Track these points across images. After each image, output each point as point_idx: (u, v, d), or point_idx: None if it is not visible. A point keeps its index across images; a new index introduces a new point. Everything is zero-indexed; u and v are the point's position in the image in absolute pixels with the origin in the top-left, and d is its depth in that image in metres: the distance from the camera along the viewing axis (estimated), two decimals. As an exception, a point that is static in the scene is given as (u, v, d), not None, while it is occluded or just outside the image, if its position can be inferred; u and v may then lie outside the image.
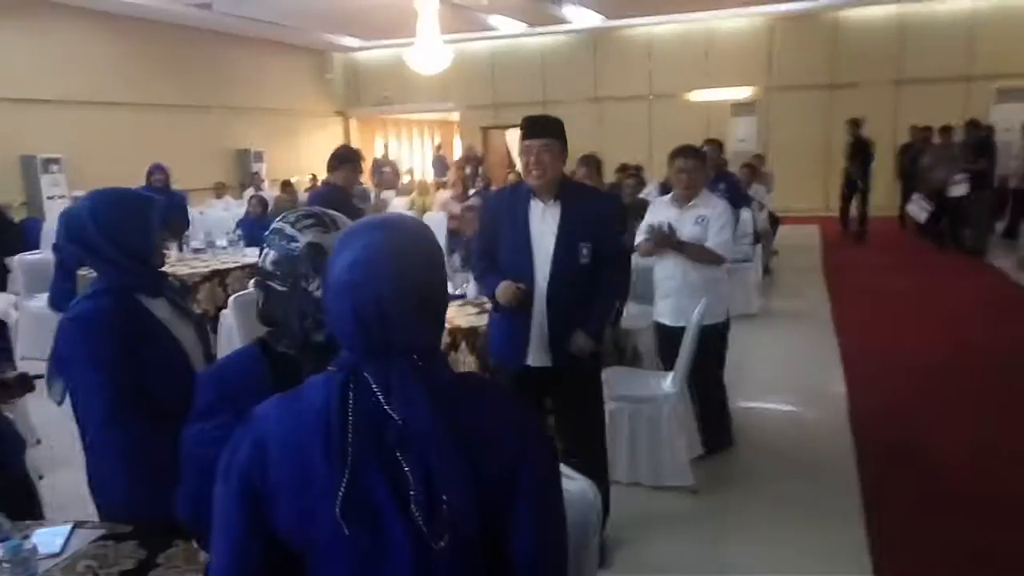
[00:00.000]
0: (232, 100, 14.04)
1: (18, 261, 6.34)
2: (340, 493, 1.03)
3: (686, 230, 3.67)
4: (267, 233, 1.48)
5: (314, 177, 12.98)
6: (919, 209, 10.18)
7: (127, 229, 1.85)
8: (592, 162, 5.39)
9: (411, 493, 1.05)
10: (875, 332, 6.31)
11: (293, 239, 1.45)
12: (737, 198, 6.35)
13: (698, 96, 14.68)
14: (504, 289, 2.80)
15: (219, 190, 12.13)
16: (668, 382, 3.53)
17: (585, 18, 13.51)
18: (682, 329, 3.53)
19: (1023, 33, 12.53)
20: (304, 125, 16.34)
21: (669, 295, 3.77)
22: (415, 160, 19.14)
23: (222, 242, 6.39)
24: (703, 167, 3.90)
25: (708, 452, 3.75)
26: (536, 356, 2.87)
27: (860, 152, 10.80)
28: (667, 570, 2.95)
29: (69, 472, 2.56)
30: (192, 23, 12.40)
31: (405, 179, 15.55)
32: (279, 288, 1.44)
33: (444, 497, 1.06)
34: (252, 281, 1.53)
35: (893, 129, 12.92)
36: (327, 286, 1.13)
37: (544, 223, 2.83)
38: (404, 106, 17.17)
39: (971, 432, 4.21)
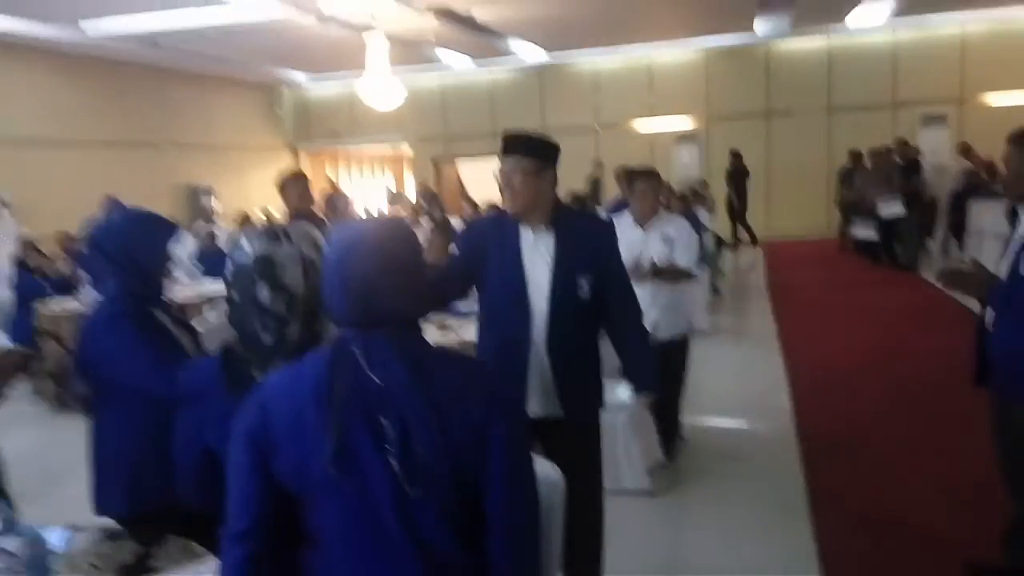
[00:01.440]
0: (180, 136, 13.98)
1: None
2: (329, 446, 1.20)
3: (654, 248, 3.89)
4: (232, 246, 1.63)
5: (267, 211, 13.02)
6: (865, 230, 10.68)
7: (141, 245, 1.99)
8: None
9: (386, 447, 1.22)
10: (817, 343, 6.62)
11: (245, 251, 1.59)
12: (694, 221, 6.64)
13: (643, 126, 15.17)
14: None
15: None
16: (623, 391, 3.68)
17: (530, 52, 13.89)
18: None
19: (943, 63, 13.33)
20: (254, 160, 16.31)
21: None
22: (366, 193, 19.23)
23: (180, 275, 6.39)
24: (660, 188, 4.14)
25: (669, 459, 3.92)
26: (537, 405, 2.50)
27: (736, 179, 12.86)
28: (626, 571, 3.08)
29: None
30: (139, 60, 12.36)
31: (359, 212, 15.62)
32: (235, 298, 1.57)
33: (417, 447, 1.22)
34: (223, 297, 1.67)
35: (827, 154, 13.58)
36: (324, 271, 1.30)
37: (537, 253, 2.48)
38: (355, 139, 17.29)
39: (906, 429, 4.47)
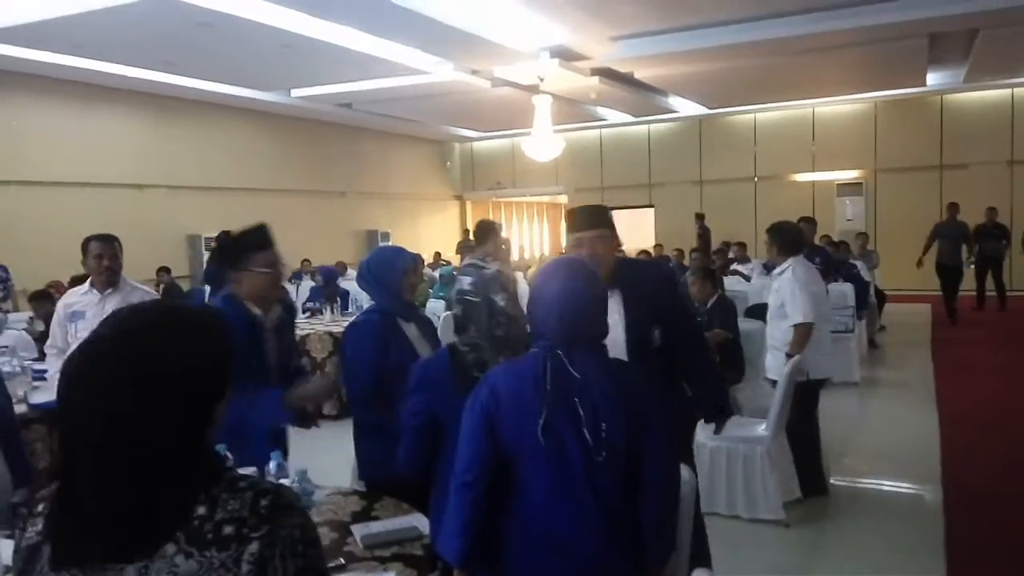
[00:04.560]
0: (363, 186, 15.51)
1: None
2: (540, 420, 1.73)
3: (770, 298, 4.29)
4: (461, 268, 2.21)
5: (438, 255, 14.22)
6: None
7: (384, 271, 2.64)
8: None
9: (581, 423, 1.73)
10: (975, 401, 6.42)
11: (484, 268, 2.17)
12: (829, 270, 6.78)
13: (803, 177, 15.00)
14: None
15: (341, 267, 13.30)
16: (763, 427, 3.96)
17: (689, 108, 14.25)
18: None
19: None
20: (425, 208, 17.68)
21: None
22: (525, 239, 20.19)
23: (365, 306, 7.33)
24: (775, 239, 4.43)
25: (805, 496, 4.11)
26: None
27: (704, 241, 13.35)
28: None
29: None
30: (334, 119, 13.94)
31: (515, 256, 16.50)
32: (474, 300, 2.15)
33: (603, 425, 1.75)
34: (455, 300, 2.28)
35: (1010, 209, 12.80)
36: (538, 300, 1.87)
37: (609, 313, 2.87)
38: (516, 190, 18.28)
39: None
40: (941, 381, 7.13)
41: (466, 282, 2.17)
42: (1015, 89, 13.16)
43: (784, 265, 4.30)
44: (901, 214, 14.02)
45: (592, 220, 2.67)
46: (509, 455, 1.79)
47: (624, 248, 13.72)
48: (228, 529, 0.97)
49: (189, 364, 1.02)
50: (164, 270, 10.10)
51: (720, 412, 2.90)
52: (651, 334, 2.63)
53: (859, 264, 8.83)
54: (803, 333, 4.11)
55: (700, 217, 14.12)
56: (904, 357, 8.51)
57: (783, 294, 4.21)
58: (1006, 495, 4.35)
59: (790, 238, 4.40)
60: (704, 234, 13.86)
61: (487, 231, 5.31)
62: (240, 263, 2.58)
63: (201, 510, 0.99)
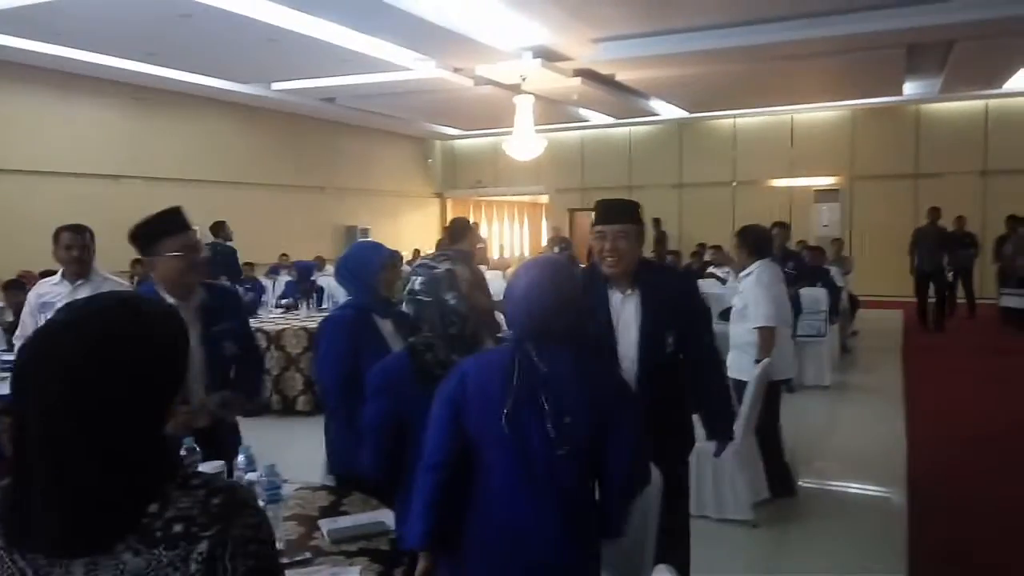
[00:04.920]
0: (343, 182, 15.44)
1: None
2: (505, 410, 1.77)
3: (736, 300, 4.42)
4: (414, 267, 2.22)
5: (416, 252, 14.13)
6: (1014, 298, 10.27)
7: (360, 266, 2.65)
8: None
9: (545, 412, 1.76)
10: (943, 407, 6.53)
11: (435, 268, 2.19)
12: (803, 276, 6.87)
13: (781, 183, 15.16)
14: None
15: (320, 262, 13.22)
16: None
17: (670, 111, 14.35)
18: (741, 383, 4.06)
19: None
20: (405, 205, 17.64)
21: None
22: (505, 238, 20.22)
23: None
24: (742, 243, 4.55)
25: (773, 496, 4.17)
26: None
27: (662, 245, 13.63)
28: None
29: None
30: (314, 113, 13.87)
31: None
32: (425, 299, 2.16)
33: (567, 419, 1.77)
34: (404, 300, 2.28)
35: (982, 218, 13.01)
36: (510, 297, 1.90)
37: (625, 312, 2.62)
38: (496, 189, 18.29)
39: (1019, 495, 4.46)
40: (911, 386, 7.25)
41: (417, 282, 2.18)
42: (989, 100, 13.40)
43: (750, 268, 4.39)
44: (876, 221, 14.23)
45: (617, 214, 2.61)
46: (473, 444, 1.83)
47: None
48: (178, 527, 0.96)
49: (143, 355, 1.00)
50: (138, 262, 10.00)
51: (723, 435, 2.83)
52: (665, 339, 2.58)
53: (833, 270, 8.95)
54: (767, 336, 4.18)
55: (657, 222, 14.32)
56: (875, 362, 8.64)
57: (747, 296, 4.30)
58: (969, 499, 4.44)
59: (757, 241, 4.49)
60: (661, 238, 14.18)
61: (462, 229, 5.33)
62: (150, 249, 2.54)
63: (153, 507, 0.97)
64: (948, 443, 5.55)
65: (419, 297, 2.15)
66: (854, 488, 4.71)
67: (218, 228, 9.32)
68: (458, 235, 5.34)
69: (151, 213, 2.61)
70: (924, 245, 10.71)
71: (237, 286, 7.29)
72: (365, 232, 15.70)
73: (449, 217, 18.84)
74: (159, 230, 2.55)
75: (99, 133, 10.96)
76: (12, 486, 1.00)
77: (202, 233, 11.89)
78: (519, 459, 1.79)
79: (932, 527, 4.04)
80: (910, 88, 12.49)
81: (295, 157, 14.21)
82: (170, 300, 2.48)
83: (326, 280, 11.01)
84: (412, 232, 16.97)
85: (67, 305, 1.03)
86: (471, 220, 5.86)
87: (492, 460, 1.82)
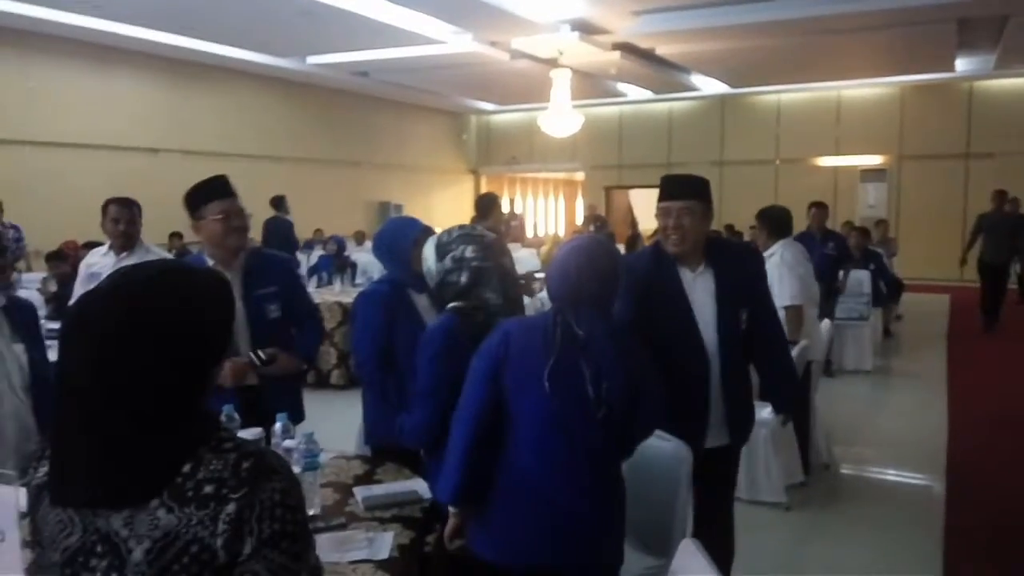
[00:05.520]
0: (377, 157, 15.43)
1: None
2: (547, 369, 1.81)
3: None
4: (453, 237, 2.18)
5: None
6: None
7: (394, 241, 2.62)
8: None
9: (584, 375, 1.81)
10: (987, 394, 6.33)
11: (481, 235, 2.21)
12: (843, 256, 6.68)
13: (826, 161, 14.78)
14: None
15: (359, 238, 13.24)
16: (767, 410, 3.89)
17: (712, 86, 14.03)
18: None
19: None
20: (440, 181, 17.60)
21: None
22: (540, 216, 20.08)
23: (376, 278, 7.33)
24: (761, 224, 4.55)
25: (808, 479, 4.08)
26: (712, 437, 2.57)
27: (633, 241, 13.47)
28: (752, 570, 3.30)
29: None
30: (349, 88, 13.85)
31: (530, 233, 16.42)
32: (485, 264, 2.15)
33: (604, 384, 1.81)
34: (455, 268, 2.28)
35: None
36: (554, 268, 1.98)
37: (697, 292, 2.56)
38: (532, 165, 18.14)
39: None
40: (954, 372, 7.03)
41: (468, 250, 2.14)
42: (1046, 77, 12.86)
43: (772, 248, 4.34)
44: (924, 202, 13.81)
45: (681, 189, 2.54)
46: (509, 402, 1.86)
47: (642, 228, 13.66)
48: (208, 488, 1.00)
49: (180, 322, 1.03)
50: (176, 235, 10.11)
51: (789, 406, 2.85)
52: (740, 316, 2.56)
53: (880, 252, 8.70)
54: (794, 316, 4.11)
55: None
56: (919, 347, 8.40)
57: (771, 276, 4.16)
58: (1008, 489, 4.30)
59: (778, 222, 4.50)
60: (633, 233, 14.02)
61: (489, 204, 5.30)
62: (197, 213, 2.65)
63: (186, 468, 1.01)
64: (990, 429, 5.37)
65: (477, 264, 2.13)
66: (892, 474, 4.58)
67: (277, 202, 9.49)
68: (485, 210, 5.33)
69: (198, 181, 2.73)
70: (992, 233, 9.21)
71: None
72: (399, 208, 15.70)
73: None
74: (205, 195, 2.66)
75: (137, 106, 11.05)
76: (53, 442, 1.06)
77: (253, 209, 11.87)
78: (555, 419, 1.83)
79: (970, 514, 3.92)
80: (962, 64, 12.03)
81: (330, 131, 14.23)
82: (211, 263, 2.62)
83: (361, 255, 11.04)
84: (446, 208, 16.92)
85: (112, 273, 1.08)
86: (498, 195, 5.82)
87: (527, 419, 1.84)
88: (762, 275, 2.79)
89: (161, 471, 1.01)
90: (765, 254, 4.39)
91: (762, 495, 3.82)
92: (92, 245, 4.85)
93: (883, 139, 14.24)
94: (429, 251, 2.20)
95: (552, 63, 10.70)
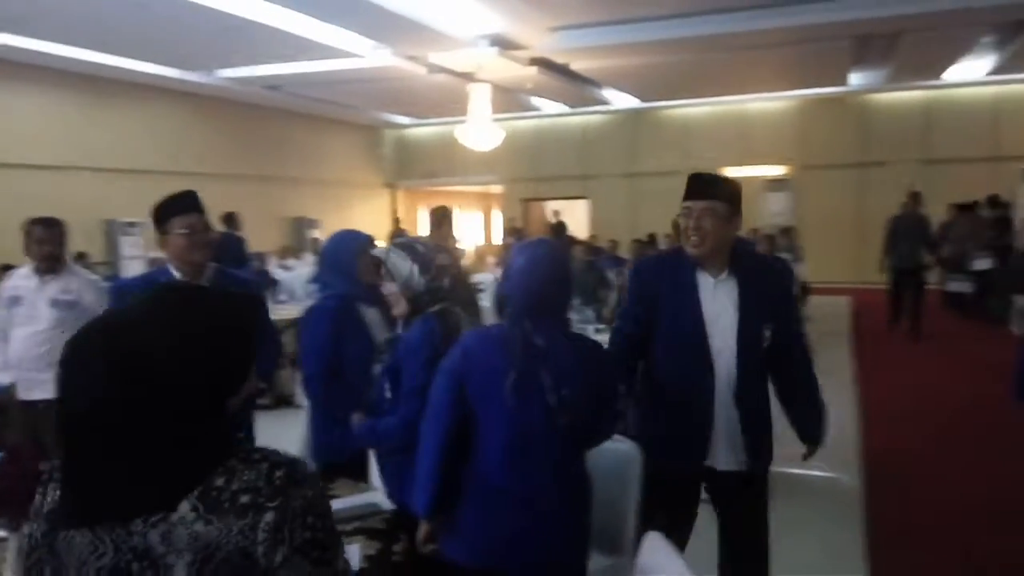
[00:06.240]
0: (291, 172, 15.10)
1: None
2: (510, 380, 1.83)
3: None
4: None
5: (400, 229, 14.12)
6: (958, 283, 10.60)
7: (337, 255, 2.62)
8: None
9: (546, 385, 1.84)
10: (892, 387, 6.74)
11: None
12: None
13: (732, 172, 15.39)
14: None
15: (283, 252, 12.91)
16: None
17: (623, 100, 14.43)
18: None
19: (1046, 117, 13.13)
20: (356, 196, 17.37)
21: None
22: (459, 229, 20.14)
23: (300, 294, 7.15)
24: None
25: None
26: (723, 457, 2.40)
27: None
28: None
29: None
30: (261, 102, 13.53)
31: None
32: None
33: (564, 391, 1.84)
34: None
35: (925, 206, 13.40)
36: (508, 275, 1.97)
37: (717, 301, 2.36)
38: (449, 179, 18.15)
39: (968, 463, 4.62)
40: (860, 370, 7.43)
41: (442, 258, 2.25)
42: (930, 91, 13.81)
43: None
44: (824, 209, 14.58)
45: (704, 188, 2.36)
46: (474, 415, 1.89)
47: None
48: (244, 499, 1.03)
49: (221, 338, 1.08)
50: (80, 255, 9.63)
51: (818, 438, 2.59)
52: (763, 332, 2.36)
53: (787, 258, 9.11)
54: None
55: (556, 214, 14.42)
56: (825, 347, 8.80)
57: None
58: (921, 478, 4.58)
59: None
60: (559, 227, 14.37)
61: (444, 217, 5.31)
62: (162, 227, 2.68)
63: (219, 481, 1.04)
64: (900, 423, 5.71)
65: (452, 270, 2.28)
66: (807, 470, 4.77)
67: (228, 219, 9.30)
68: (440, 222, 5.37)
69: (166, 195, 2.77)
70: (907, 237, 8.94)
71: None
72: (314, 223, 15.41)
73: (400, 208, 18.68)
74: (171, 209, 2.69)
75: (41, 123, 10.51)
76: (73, 465, 1.05)
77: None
78: (519, 428, 1.86)
79: (885, 507, 4.14)
80: (856, 79, 12.79)
81: (243, 146, 13.85)
82: (178, 276, 2.64)
83: (281, 272, 10.78)
84: (363, 223, 16.62)
85: (145, 292, 1.10)
86: (450, 208, 5.81)
87: (493, 429, 1.88)
88: (790, 293, 2.57)
89: (191, 478, 1.03)
90: None
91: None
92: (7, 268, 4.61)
93: (785, 150, 14.98)
94: (404, 264, 2.22)
95: (469, 77, 10.78)
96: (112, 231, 11.37)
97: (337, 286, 2.62)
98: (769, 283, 2.42)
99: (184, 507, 1.02)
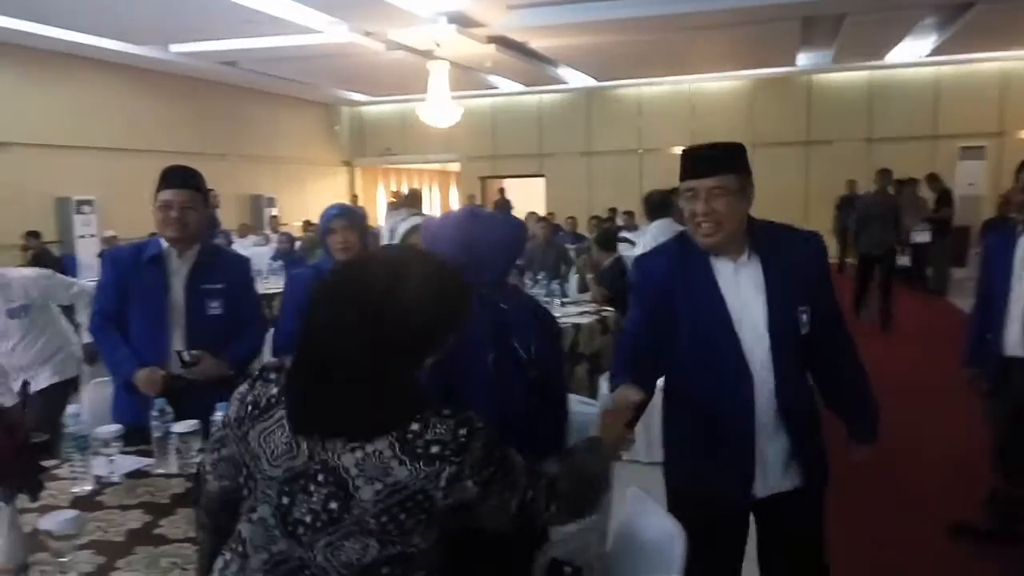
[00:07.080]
0: (247, 149, 14.94)
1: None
2: (491, 353, 1.78)
3: None
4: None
5: (307, 223, 13.93)
6: (900, 256, 11.07)
7: (321, 230, 2.81)
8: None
9: (514, 343, 1.78)
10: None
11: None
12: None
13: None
14: (619, 399, 1.84)
15: (243, 230, 12.80)
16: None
17: (579, 79, 14.60)
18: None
19: (981, 96, 13.71)
20: (312, 173, 17.26)
21: None
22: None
23: (263, 272, 7.18)
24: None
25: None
26: (769, 480, 1.99)
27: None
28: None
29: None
30: (216, 78, 13.35)
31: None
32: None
33: (531, 346, 1.78)
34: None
35: (867, 183, 13.94)
36: (455, 242, 1.91)
37: (740, 288, 1.97)
38: (406, 157, 18.14)
39: (914, 424, 4.96)
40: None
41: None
42: (874, 71, 14.29)
43: (646, 228, 4.74)
44: (772, 187, 14.94)
45: (709, 163, 1.95)
46: (455, 385, 1.76)
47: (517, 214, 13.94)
48: (434, 449, 1.19)
49: (428, 305, 1.24)
50: (32, 234, 9.46)
51: (869, 436, 2.17)
52: (799, 317, 1.96)
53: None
54: None
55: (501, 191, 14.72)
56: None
57: (638, 251, 4.58)
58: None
59: (656, 204, 4.96)
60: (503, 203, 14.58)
61: (418, 197, 5.49)
62: (155, 198, 2.73)
63: (415, 427, 1.20)
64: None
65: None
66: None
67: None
68: (415, 200, 5.57)
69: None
70: (875, 220, 7.93)
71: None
72: (271, 201, 15.31)
73: (358, 185, 18.61)
74: (162, 182, 2.73)
75: (-16, 97, 10.23)
76: (301, 378, 1.24)
77: (129, 205, 11.22)
78: (497, 381, 1.74)
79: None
80: (804, 59, 13.17)
81: (196, 123, 13.64)
82: (165, 246, 2.67)
83: (242, 250, 10.71)
84: (320, 201, 16.46)
85: (395, 239, 1.35)
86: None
87: (474, 394, 1.75)
88: (825, 267, 2.11)
89: (395, 419, 1.19)
90: (639, 232, 4.82)
91: (657, 456, 4.12)
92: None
93: (735, 129, 15.29)
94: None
95: (427, 55, 10.82)
96: (64, 209, 11.16)
97: (322, 259, 2.84)
98: (798, 258, 2.00)
99: (382, 443, 1.18)
